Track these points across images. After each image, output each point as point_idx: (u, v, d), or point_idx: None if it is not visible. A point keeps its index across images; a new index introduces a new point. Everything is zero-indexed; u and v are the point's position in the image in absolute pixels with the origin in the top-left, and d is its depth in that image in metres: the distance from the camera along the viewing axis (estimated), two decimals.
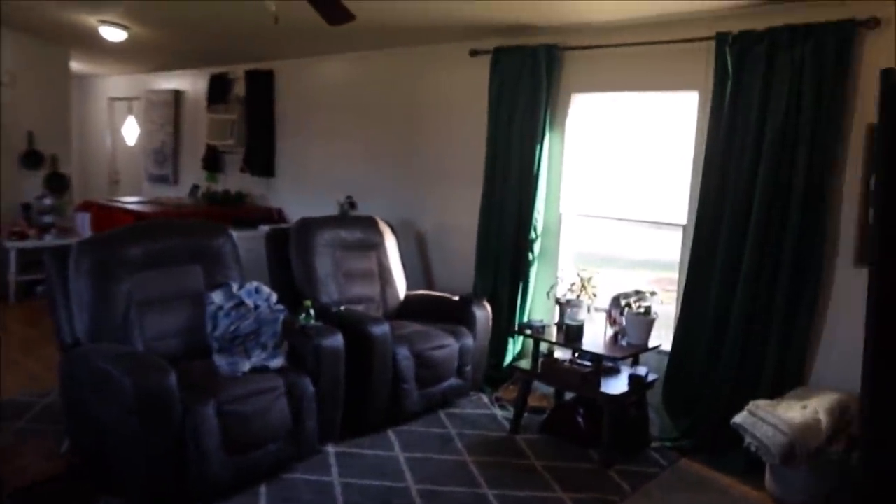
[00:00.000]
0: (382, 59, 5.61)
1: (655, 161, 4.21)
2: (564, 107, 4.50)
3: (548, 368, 3.93)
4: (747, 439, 3.30)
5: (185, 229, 3.78)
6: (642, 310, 3.85)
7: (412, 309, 4.69)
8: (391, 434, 3.92)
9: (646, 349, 3.84)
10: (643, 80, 4.15)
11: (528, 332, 4.04)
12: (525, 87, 4.47)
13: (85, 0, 5.15)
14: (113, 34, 5.91)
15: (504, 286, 4.65)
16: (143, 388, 2.83)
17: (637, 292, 3.93)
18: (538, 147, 4.45)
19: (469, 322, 4.39)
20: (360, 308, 4.40)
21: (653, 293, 3.90)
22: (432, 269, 5.32)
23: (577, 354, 3.98)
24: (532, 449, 3.84)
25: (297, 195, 6.51)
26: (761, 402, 3.38)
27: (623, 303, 3.92)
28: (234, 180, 7.07)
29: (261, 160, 6.61)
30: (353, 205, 5.73)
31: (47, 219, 6.78)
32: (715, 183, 3.78)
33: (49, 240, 6.70)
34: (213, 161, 7.22)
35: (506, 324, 4.64)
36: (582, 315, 4.01)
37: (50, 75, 7.01)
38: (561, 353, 4.07)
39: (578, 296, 4.08)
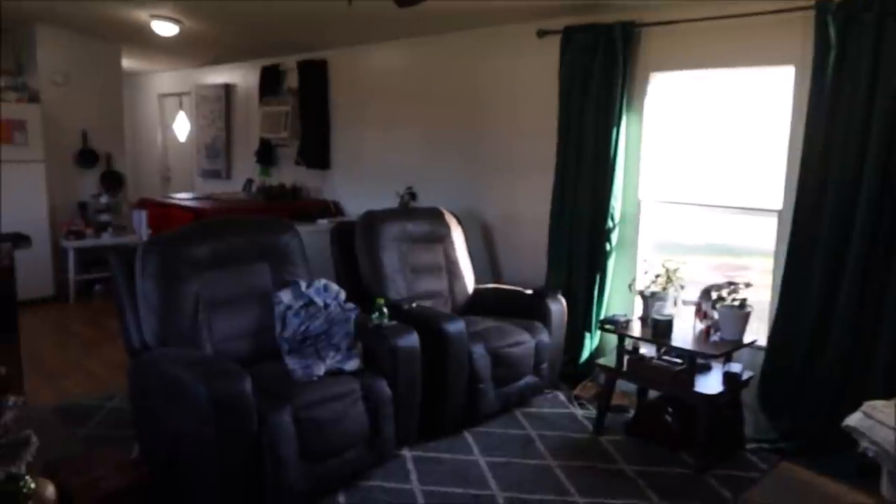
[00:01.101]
0: (443, 44, 5.38)
1: (745, 143, 3.91)
2: (642, 87, 4.22)
3: (635, 366, 3.69)
4: (863, 443, 3.00)
5: (251, 226, 3.62)
6: (736, 302, 3.57)
7: (482, 303, 4.48)
8: (468, 436, 3.73)
9: (741, 345, 3.56)
10: (730, 55, 3.84)
11: (611, 327, 3.79)
12: (599, 67, 4.20)
13: None
14: (165, 29, 5.82)
15: (579, 278, 4.40)
16: (219, 396, 2.68)
17: (730, 283, 3.65)
18: (615, 130, 4.18)
19: (544, 317, 4.17)
20: (428, 303, 4.22)
21: (747, 284, 3.62)
22: (500, 261, 5.10)
23: (663, 350, 3.73)
24: (619, 451, 3.60)
25: (353, 187, 6.35)
26: (878, 403, 3.07)
27: (714, 295, 3.65)
28: (288, 174, 6.94)
29: (315, 152, 6.46)
30: (413, 196, 5.55)
31: (104, 217, 6.76)
32: (816, 165, 3.47)
33: (106, 238, 6.69)
34: (266, 155, 7.09)
35: (582, 318, 4.40)
36: (668, 309, 3.76)
37: (102, 73, 6.96)
38: (645, 350, 3.82)
39: (664, 288, 3.82)
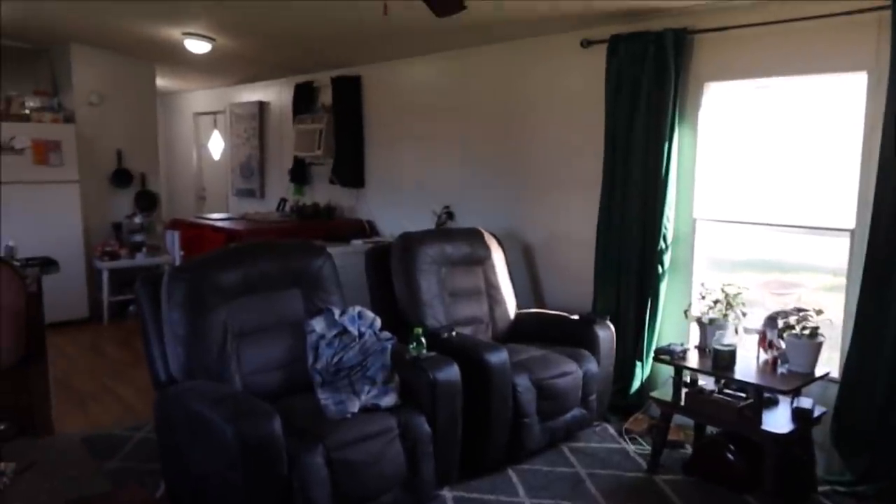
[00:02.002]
0: (481, 57, 5.17)
1: (812, 156, 3.61)
2: (696, 98, 3.95)
3: (694, 400, 3.40)
4: None
5: (283, 251, 3.44)
6: (806, 331, 3.27)
7: (524, 330, 4.23)
8: (512, 474, 3.48)
9: (813, 378, 3.25)
10: (794, 62, 3.56)
11: (667, 357, 3.51)
12: (649, 77, 3.95)
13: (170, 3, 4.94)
14: (198, 46, 5.73)
15: (629, 303, 4.12)
16: (247, 438, 2.48)
17: (799, 310, 3.36)
18: (666, 145, 3.91)
19: (591, 344, 3.91)
20: (468, 330, 3.99)
21: (819, 311, 3.31)
22: (542, 284, 4.84)
23: (723, 383, 3.43)
24: (678, 494, 3.31)
25: (388, 206, 6.16)
26: None
27: (781, 323, 3.35)
28: (322, 192, 6.79)
29: (350, 171, 6.29)
30: (451, 215, 5.34)
31: (138, 238, 6.69)
32: (894, 181, 3.16)
33: (140, 259, 6.61)
34: (300, 173, 6.96)
35: (632, 346, 4.12)
36: (729, 337, 3.46)
37: (137, 93, 6.93)
38: (704, 382, 3.53)
39: (724, 314, 3.53)
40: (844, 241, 3.50)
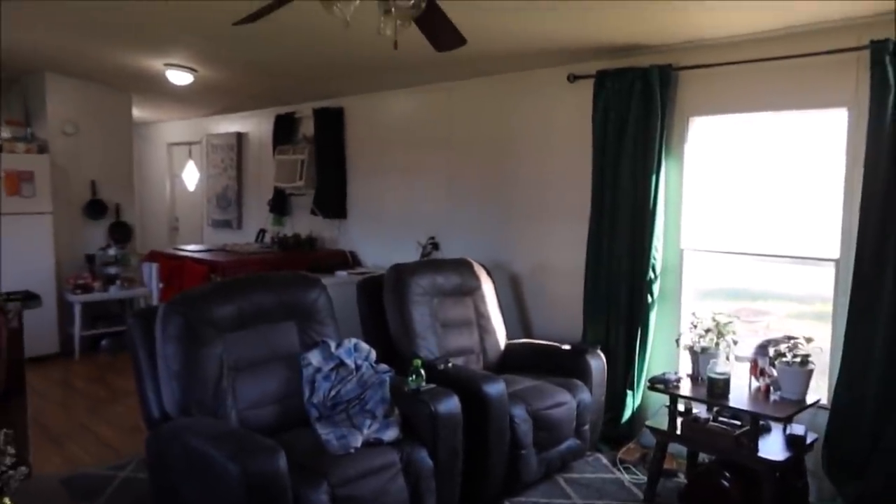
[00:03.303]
0: (467, 89, 5.24)
1: (795, 188, 3.72)
2: (681, 132, 4.05)
3: (690, 429, 3.42)
4: None
5: (277, 283, 3.40)
6: (798, 359, 3.33)
7: (515, 360, 4.23)
8: None
9: (805, 406, 3.31)
10: (776, 98, 3.68)
11: (662, 386, 3.54)
12: (636, 112, 4.04)
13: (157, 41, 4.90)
14: (179, 78, 5.69)
15: (619, 332, 4.16)
16: (252, 475, 2.42)
17: (789, 338, 3.42)
18: (654, 177, 3.99)
19: (583, 374, 3.92)
20: (459, 361, 3.97)
21: (809, 339, 3.38)
22: (530, 314, 4.85)
23: (716, 411, 3.47)
24: None
25: (371, 237, 6.14)
26: None
27: (772, 351, 3.41)
28: (303, 223, 6.74)
29: (332, 201, 6.27)
30: (436, 246, 5.35)
31: (112, 270, 6.55)
32: (876, 213, 3.26)
33: (114, 292, 6.47)
34: (280, 204, 6.91)
35: (623, 375, 4.15)
36: (721, 366, 3.51)
37: (112, 122, 6.83)
38: (697, 410, 3.57)
39: (717, 343, 3.58)
40: (826, 270, 3.60)
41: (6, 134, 6.12)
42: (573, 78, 4.42)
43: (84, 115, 6.58)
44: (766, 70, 3.65)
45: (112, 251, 6.58)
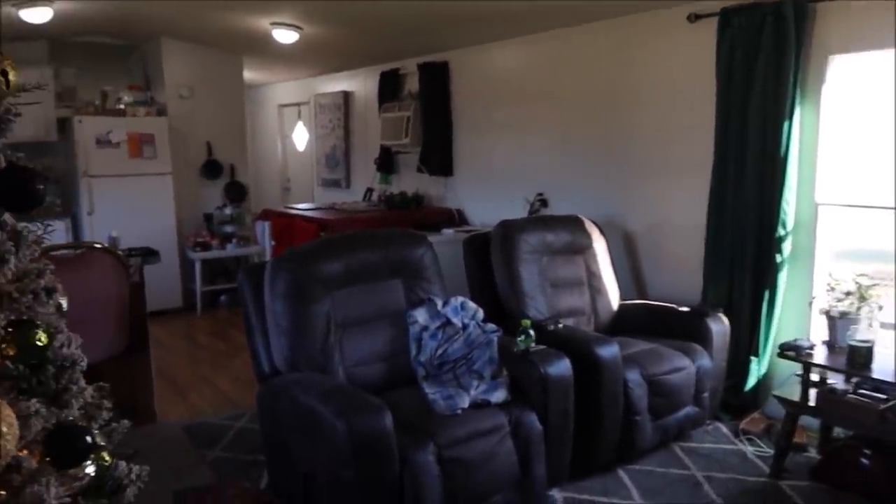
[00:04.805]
0: (577, 37, 4.95)
1: None
2: (819, 73, 3.63)
3: (826, 401, 3.12)
4: None
5: (383, 240, 3.34)
6: None
7: (628, 322, 4.02)
8: (623, 475, 3.30)
9: None
10: None
11: (793, 353, 3.25)
12: (766, 52, 3.65)
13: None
14: (285, 36, 5.71)
15: (743, 294, 3.85)
16: (359, 433, 2.40)
17: None
18: (786, 124, 3.62)
19: (704, 338, 3.66)
20: (569, 322, 3.81)
21: None
22: (644, 274, 4.60)
23: (857, 382, 3.15)
24: (808, 502, 3.06)
25: (477, 194, 6.02)
26: None
27: None
28: (408, 181, 6.71)
29: (438, 158, 6.18)
30: (544, 203, 5.16)
31: (228, 228, 6.78)
32: None
33: (231, 249, 6.71)
34: (386, 162, 6.89)
35: (747, 340, 3.85)
36: (864, 333, 3.17)
37: (225, 85, 7.01)
38: (833, 381, 3.25)
39: (858, 308, 3.23)
40: None
41: (129, 98, 6.40)
42: (694, 18, 4.06)
43: (198, 78, 6.78)
44: None
45: (228, 210, 6.81)
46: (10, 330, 1.39)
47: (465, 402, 2.78)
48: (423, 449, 2.55)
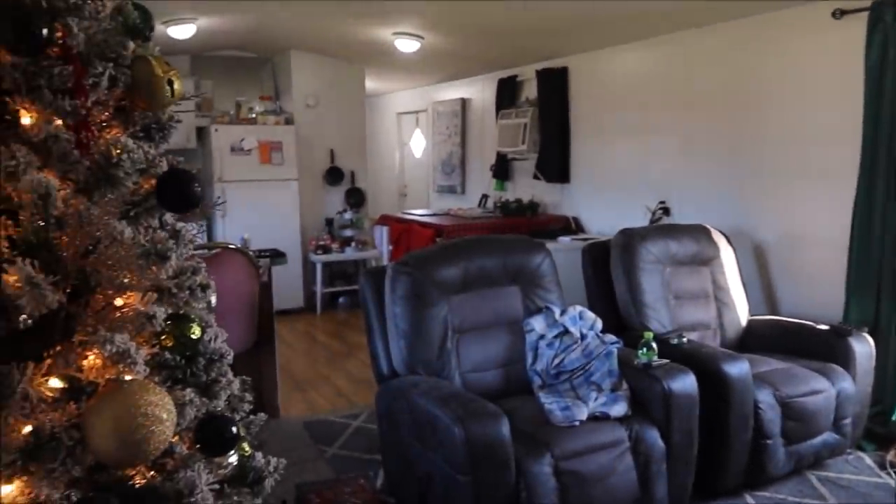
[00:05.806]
0: (704, 38, 4.74)
1: None
2: None
3: None
4: None
5: (501, 246, 3.32)
6: None
7: (758, 339, 3.79)
8: (751, 501, 3.09)
9: None
10: None
11: None
12: None
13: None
14: (407, 46, 5.84)
15: (892, 312, 3.54)
16: (475, 439, 2.38)
17: None
18: None
19: (845, 360, 3.38)
20: (693, 336, 3.62)
21: None
22: (776, 289, 4.32)
23: None
24: None
25: (595, 202, 5.89)
26: None
27: None
28: (524, 188, 6.66)
29: (555, 165, 6.09)
30: (666, 212, 4.97)
31: (348, 232, 6.99)
32: None
33: (350, 253, 6.91)
34: (502, 169, 6.89)
35: (894, 363, 3.53)
36: None
37: (348, 94, 7.25)
38: None
39: None
40: None
41: (260, 108, 6.75)
42: (839, 14, 3.78)
43: (323, 88, 7.05)
44: None
45: (348, 215, 7.03)
46: (168, 322, 1.48)
47: (583, 414, 2.70)
48: (540, 460, 2.50)
